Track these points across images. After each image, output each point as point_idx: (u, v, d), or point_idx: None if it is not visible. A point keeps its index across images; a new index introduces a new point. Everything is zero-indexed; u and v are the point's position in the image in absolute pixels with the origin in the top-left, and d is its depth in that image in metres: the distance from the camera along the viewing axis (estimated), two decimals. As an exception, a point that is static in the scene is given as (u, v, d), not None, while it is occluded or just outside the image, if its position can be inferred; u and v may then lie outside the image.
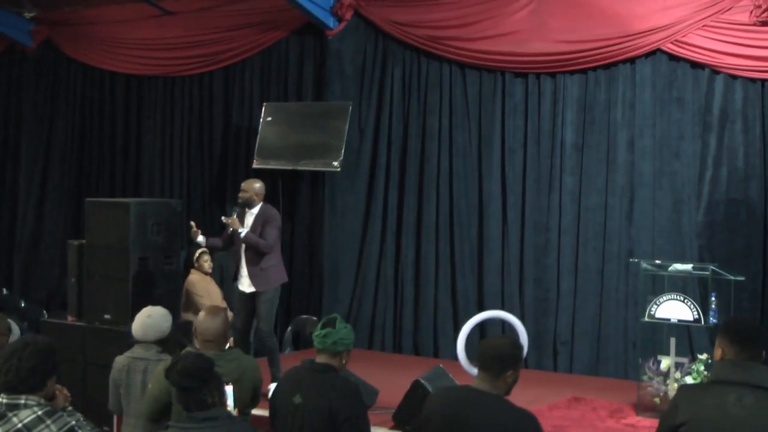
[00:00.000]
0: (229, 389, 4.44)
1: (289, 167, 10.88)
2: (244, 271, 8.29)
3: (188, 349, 5.06)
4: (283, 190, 11.30)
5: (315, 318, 10.60)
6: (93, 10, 12.73)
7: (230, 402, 4.60)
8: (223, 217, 8.37)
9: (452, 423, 4.04)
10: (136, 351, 5.68)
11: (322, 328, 4.59)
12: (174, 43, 12.23)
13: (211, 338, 5.04)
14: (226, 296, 9.85)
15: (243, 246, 8.27)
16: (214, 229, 11.94)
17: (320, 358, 4.60)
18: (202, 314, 5.15)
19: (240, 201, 8.42)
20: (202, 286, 9.34)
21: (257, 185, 8.51)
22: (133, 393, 5.61)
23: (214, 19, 11.89)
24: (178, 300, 8.70)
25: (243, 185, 8.49)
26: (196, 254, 9.58)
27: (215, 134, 12.14)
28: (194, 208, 12.15)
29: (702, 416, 3.70)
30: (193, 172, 12.30)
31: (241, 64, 11.91)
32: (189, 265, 9.60)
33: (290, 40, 11.54)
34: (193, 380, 3.90)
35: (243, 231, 8.20)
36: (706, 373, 7.55)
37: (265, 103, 11.28)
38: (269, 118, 11.10)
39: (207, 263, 9.53)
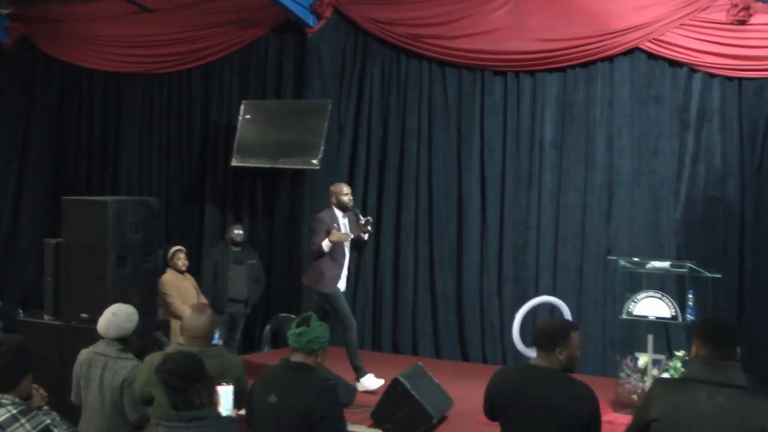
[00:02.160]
0: (228, 389, 4.39)
1: (268, 165, 10.85)
2: (345, 270, 8.53)
3: (173, 346, 5.07)
4: (262, 188, 11.29)
5: (294, 316, 10.56)
6: (70, 7, 12.65)
7: (228, 403, 4.54)
8: (369, 218, 8.57)
9: (519, 396, 4.47)
10: (99, 346, 5.72)
11: (297, 326, 4.58)
12: (153, 40, 12.17)
13: (196, 334, 5.06)
14: (215, 293, 9.85)
15: (348, 247, 8.50)
16: (192, 227, 11.96)
17: (295, 357, 4.58)
18: (188, 311, 5.17)
19: (351, 205, 8.60)
20: (173, 284, 9.31)
21: None
22: (91, 387, 5.64)
23: (193, 16, 11.84)
24: (155, 299, 8.65)
25: (347, 189, 8.61)
26: (171, 252, 9.55)
27: (194, 132, 12.10)
28: (173, 206, 12.12)
29: (674, 413, 3.74)
30: (171, 170, 12.26)
31: (220, 62, 11.87)
32: (166, 263, 9.58)
33: (269, 37, 11.51)
34: (182, 380, 3.89)
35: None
36: (683, 370, 7.58)
37: (244, 101, 11.24)
38: (248, 116, 11.06)
39: (180, 261, 9.50)
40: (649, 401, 3.86)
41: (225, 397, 4.45)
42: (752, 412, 3.67)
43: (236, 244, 10.31)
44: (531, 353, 7.35)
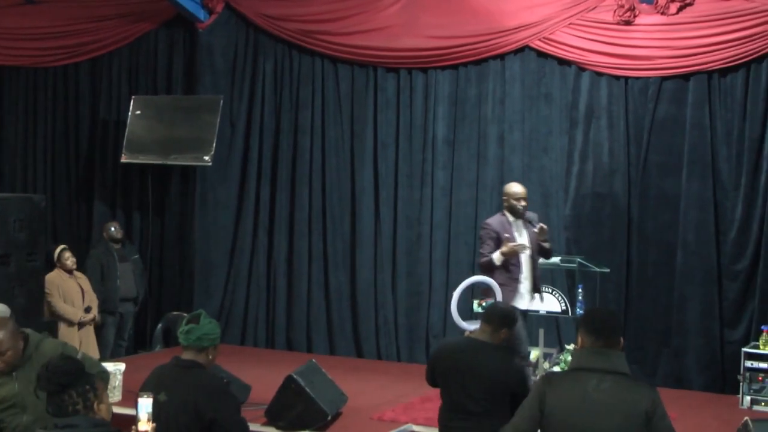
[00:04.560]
0: (147, 402, 4.17)
1: (159, 162, 10.68)
2: (525, 285, 7.52)
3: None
4: (152, 185, 11.08)
5: (186, 314, 10.39)
6: (-50, -2, 12.21)
7: (146, 416, 4.26)
8: (543, 226, 7.45)
9: (457, 363, 5.09)
10: None
11: (186, 324, 4.52)
12: (37, 32, 11.80)
13: (3, 350, 4.68)
14: (105, 294, 9.63)
15: (530, 260, 7.51)
16: (80, 224, 11.67)
17: (186, 355, 4.52)
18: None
19: (522, 211, 7.55)
20: (55, 284, 9.07)
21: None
22: None
23: (80, 9, 11.55)
24: (41, 298, 8.41)
25: (520, 191, 7.57)
26: (57, 251, 9.30)
27: (81, 128, 11.80)
28: (59, 204, 11.81)
29: (564, 402, 3.87)
30: (58, 167, 11.92)
31: (109, 56, 11.60)
32: (50, 262, 9.31)
33: (160, 32, 11.31)
34: (51, 384, 3.75)
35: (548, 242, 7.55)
36: (573, 362, 7.72)
37: (133, 97, 11.02)
38: (138, 112, 10.86)
39: (69, 260, 9.26)
40: (538, 393, 3.96)
41: (143, 409, 4.16)
42: (636, 396, 3.80)
43: (116, 241, 10.08)
44: (468, 326, 7.51)
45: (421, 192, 10.12)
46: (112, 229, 10.11)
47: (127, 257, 10.10)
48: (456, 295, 8.48)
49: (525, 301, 7.50)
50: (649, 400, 3.81)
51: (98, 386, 3.84)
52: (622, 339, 3.98)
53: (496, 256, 7.33)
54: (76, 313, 9.03)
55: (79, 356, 5.02)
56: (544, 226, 7.49)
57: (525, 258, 7.47)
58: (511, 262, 7.38)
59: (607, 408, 3.78)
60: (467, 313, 8.34)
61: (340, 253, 10.47)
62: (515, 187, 7.64)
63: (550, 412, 3.87)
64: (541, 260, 8.54)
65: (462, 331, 7.62)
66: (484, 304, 8.44)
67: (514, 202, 7.53)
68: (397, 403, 8.03)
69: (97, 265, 9.86)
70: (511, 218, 7.53)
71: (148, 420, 4.02)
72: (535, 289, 7.61)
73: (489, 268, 7.42)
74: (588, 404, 3.80)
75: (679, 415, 7.26)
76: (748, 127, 8.88)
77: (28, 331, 5.07)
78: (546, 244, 7.56)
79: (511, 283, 7.43)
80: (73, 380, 3.76)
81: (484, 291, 8.00)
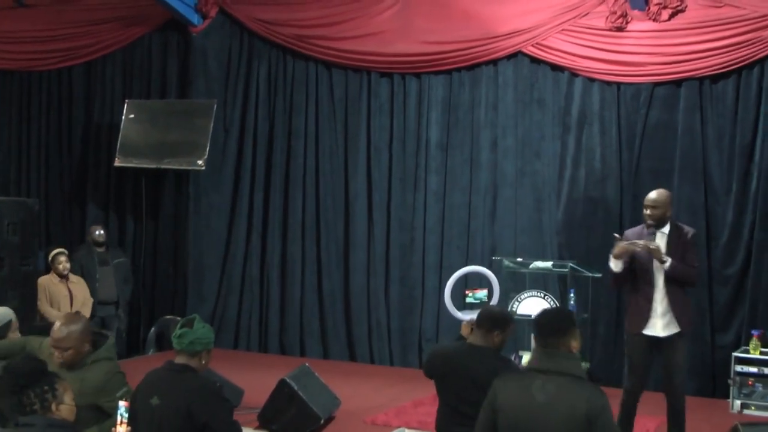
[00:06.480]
0: (123, 405, 4.17)
1: (153, 166, 10.67)
2: (657, 309, 6.44)
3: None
4: (146, 189, 11.09)
5: (179, 318, 10.39)
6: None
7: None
8: (643, 242, 6.40)
9: (451, 366, 5.21)
10: None
11: (180, 328, 4.52)
12: (30, 36, 11.81)
13: (56, 345, 4.78)
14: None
15: (660, 279, 6.45)
16: (74, 228, 11.66)
17: (179, 359, 4.52)
18: (57, 323, 4.93)
19: (651, 222, 6.50)
20: (44, 288, 9.07)
21: (668, 197, 6.60)
22: None
23: (74, 12, 11.57)
24: (34, 301, 8.41)
25: (654, 200, 6.52)
26: (51, 255, 9.31)
27: (75, 131, 11.81)
28: (53, 208, 11.81)
29: (511, 402, 3.93)
30: (51, 171, 11.92)
31: (102, 60, 11.62)
32: (47, 265, 9.32)
33: (153, 36, 11.34)
34: (8, 384, 3.74)
35: (668, 261, 6.34)
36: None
37: (127, 100, 11.03)
38: (132, 116, 10.86)
39: (61, 265, 9.25)
40: (493, 393, 4.04)
41: (118, 412, 4.16)
42: (578, 400, 3.81)
43: (99, 244, 10.07)
44: (463, 316, 7.75)
45: (414, 196, 10.15)
46: (96, 233, 10.10)
47: (108, 261, 10.06)
48: (449, 284, 8.55)
49: (658, 327, 6.44)
50: (592, 404, 3.78)
51: (58, 387, 3.84)
52: (574, 341, 3.97)
53: (611, 262, 6.50)
54: (59, 317, 9.01)
55: (121, 392, 5.02)
56: (651, 245, 6.38)
57: (659, 276, 6.45)
58: (643, 279, 6.48)
59: (548, 409, 3.81)
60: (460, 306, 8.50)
61: (333, 257, 10.49)
62: (648, 194, 6.65)
63: (500, 409, 3.94)
64: (537, 264, 8.57)
65: (457, 322, 7.66)
66: (470, 294, 8.55)
67: (643, 211, 6.62)
68: (389, 407, 8.05)
69: (77, 269, 9.85)
70: (649, 229, 6.58)
71: (122, 422, 4.03)
72: (674, 314, 6.44)
73: (614, 282, 6.70)
74: (531, 405, 3.85)
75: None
76: (739, 133, 8.92)
77: (109, 340, 5.10)
78: (665, 265, 6.36)
79: (641, 304, 6.49)
80: (31, 381, 3.77)
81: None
